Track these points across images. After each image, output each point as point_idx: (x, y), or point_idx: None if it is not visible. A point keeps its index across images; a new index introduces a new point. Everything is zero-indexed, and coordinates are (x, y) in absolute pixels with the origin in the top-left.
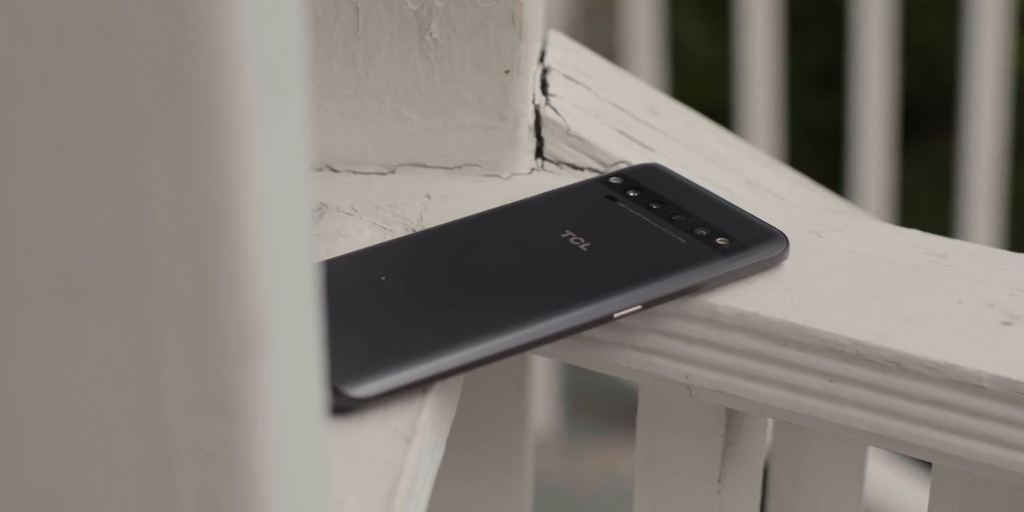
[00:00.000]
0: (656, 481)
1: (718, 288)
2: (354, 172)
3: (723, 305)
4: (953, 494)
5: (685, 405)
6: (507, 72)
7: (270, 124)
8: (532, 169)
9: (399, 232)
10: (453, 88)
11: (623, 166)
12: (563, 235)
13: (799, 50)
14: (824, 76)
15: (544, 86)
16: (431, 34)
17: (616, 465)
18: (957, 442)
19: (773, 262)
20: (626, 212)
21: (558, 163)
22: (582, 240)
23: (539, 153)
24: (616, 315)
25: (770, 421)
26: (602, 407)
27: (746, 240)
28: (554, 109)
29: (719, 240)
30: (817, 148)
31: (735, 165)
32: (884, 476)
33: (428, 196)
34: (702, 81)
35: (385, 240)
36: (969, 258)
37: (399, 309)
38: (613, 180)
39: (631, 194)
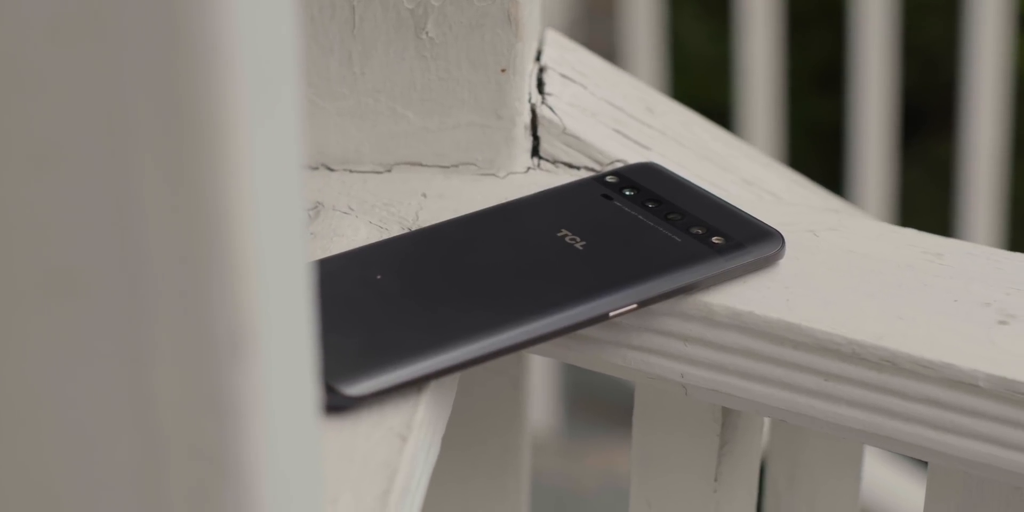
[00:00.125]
0: (652, 480)
1: (714, 287)
2: (350, 171)
3: (719, 304)
4: (949, 493)
5: (681, 404)
6: (503, 71)
7: (261, 123)
8: (528, 168)
9: (395, 231)
10: (449, 87)
11: (619, 165)
12: (559, 234)
13: (799, 50)
14: (824, 76)
15: (540, 85)
16: (427, 33)
17: (616, 465)
18: (953, 441)
19: (769, 261)
20: (622, 211)
21: (554, 162)
22: (578, 239)
23: (535, 152)
24: (612, 314)
25: (767, 420)
26: (602, 407)
27: (742, 239)
28: (550, 108)
29: (715, 239)
30: (817, 148)
31: (732, 164)
32: (881, 475)
33: (424, 195)
34: (702, 81)
35: (381, 239)
36: (965, 257)
37: (394, 308)
38: (609, 179)
39: (627, 193)
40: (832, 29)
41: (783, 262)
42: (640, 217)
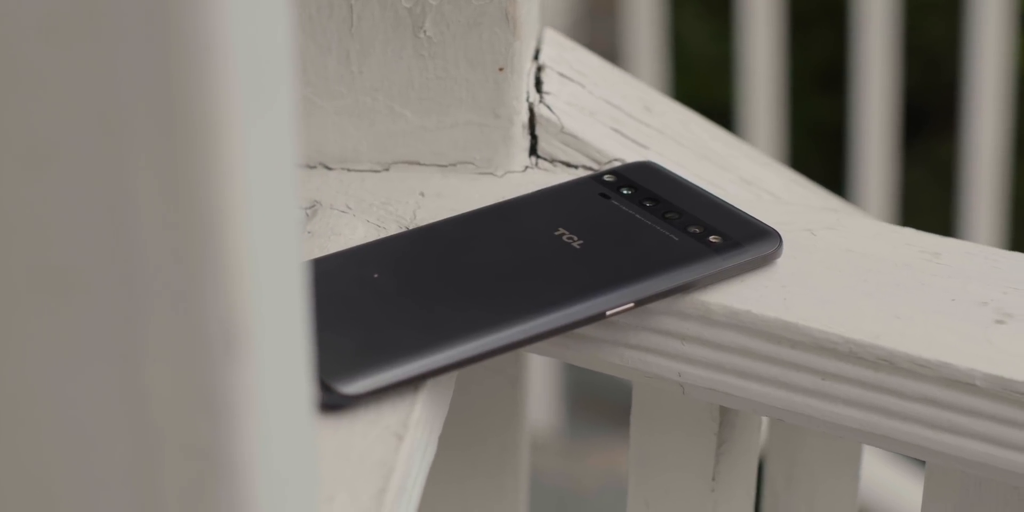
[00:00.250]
0: (650, 479)
1: (711, 286)
2: (348, 170)
3: (716, 303)
4: (947, 492)
5: (679, 403)
6: (501, 70)
7: (255, 122)
8: (526, 167)
9: (393, 230)
10: (447, 86)
11: (617, 164)
12: (556, 233)
13: (801, 49)
14: (826, 76)
15: (538, 84)
16: (425, 32)
17: (617, 464)
18: (950, 440)
19: (766, 260)
20: (619, 210)
21: (552, 161)
22: (575, 238)
23: (533, 151)
24: (609, 313)
25: (765, 419)
26: (603, 406)
27: (739, 238)
28: (548, 107)
29: (712, 238)
30: (819, 148)
31: (730, 163)
32: (879, 474)
33: (422, 194)
34: (704, 80)
35: (378, 237)
36: (962, 256)
37: (391, 306)
38: (607, 178)
39: (625, 192)
40: (834, 29)
41: (781, 261)
42: (637, 216)
